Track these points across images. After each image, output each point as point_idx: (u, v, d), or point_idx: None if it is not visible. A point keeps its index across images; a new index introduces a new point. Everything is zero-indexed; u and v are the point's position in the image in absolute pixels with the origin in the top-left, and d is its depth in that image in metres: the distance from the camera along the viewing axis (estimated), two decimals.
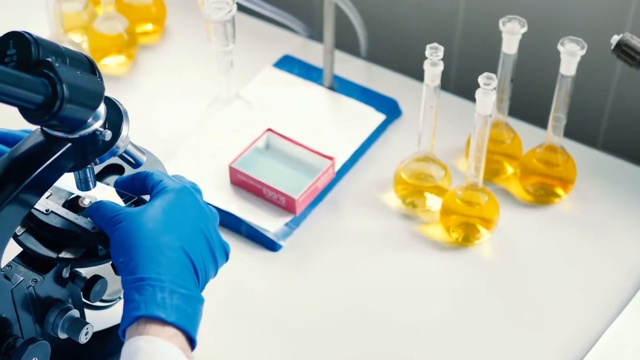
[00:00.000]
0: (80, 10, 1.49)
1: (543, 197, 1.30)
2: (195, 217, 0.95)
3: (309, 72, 1.45)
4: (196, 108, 1.41)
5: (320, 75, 1.44)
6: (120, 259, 0.92)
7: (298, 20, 1.52)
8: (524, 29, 1.20)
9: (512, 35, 1.21)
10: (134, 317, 0.88)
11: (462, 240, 1.25)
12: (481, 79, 1.12)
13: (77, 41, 1.48)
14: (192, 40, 1.53)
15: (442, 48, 1.15)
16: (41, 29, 1.49)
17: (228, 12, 1.21)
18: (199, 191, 0.99)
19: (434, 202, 1.28)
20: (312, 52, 1.51)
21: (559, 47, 1.17)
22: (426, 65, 1.16)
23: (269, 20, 1.55)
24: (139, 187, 1.00)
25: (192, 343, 0.90)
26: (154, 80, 1.47)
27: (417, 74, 1.48)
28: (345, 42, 1.51)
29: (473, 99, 1.43)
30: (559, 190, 1.30)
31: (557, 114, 1.24)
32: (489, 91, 1.12)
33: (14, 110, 0.87)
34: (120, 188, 1.01)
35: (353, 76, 1.47)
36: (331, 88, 1.43)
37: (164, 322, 0.87)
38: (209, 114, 1.33)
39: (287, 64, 1.47)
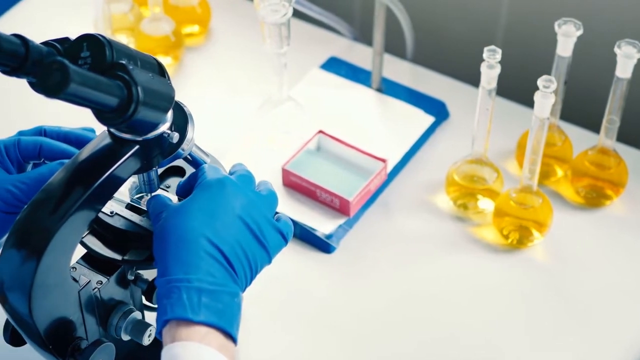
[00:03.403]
0: (127, 11, 1.49)
1: (595, 199, 1.30)
2: (233, 206, 0.92)
3: (355, 74, 1.45)
4: (244, 109, 1.42)
5: (367, 77, 1.44)
6: (155, 263, 0.92)
7: (344, 22, 1.52)
8: (580, 32, 1.20)
9: (567, 37, 1.20)
10: (162, 322, 0.87)
11: (516, 243, 1.25)
12: (540, 82, 1.12)
13: (123, 42, 1.48)
14: (237, 41, 1.53)
15: (499, 51, 1.15)
16: (86, 29, 1.50)
17: (284, 14, 1.21)
18: (248, 177, 0.97)
19: (485, 205, 1.28)
20: (357, 54, 1.51)
21: (616, 50, 1.17)
22: (483, 68, 1.16)
23: (312, 21, 1.55)
24: (194, 184, 0.99)
25: (231, 338, 0.89)
26: (201, 82, 1.47)
27: (460, 75, 1.49)
28: (389, 44, 1.51)
29: (517, 101, 1.44)
30: (610, 193, 1.30)
31: (611, 116, 1.23)
32: (548, 94, 1.12)
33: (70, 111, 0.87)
34: (180, 193, 1.00)
35: (399, 78, 1.47)
36: (379, 90, 1.43)
37: (193, 322, 0.87)
38: (260, 115, 1.34)
39: (334, 65, 1.47)
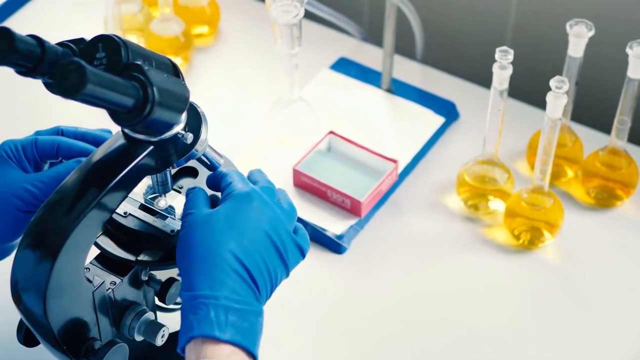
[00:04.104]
0: (137, 12, 1.49)
1: (605, 200, 1.30)
2: (261, 222, 0.92)
3: (365, 75, 1.45)
4: (253, 109, 1.42)
5: (377, 77, 1.44)
6: (179, 272, 0.92)
7: (353, 22, 1.52)
8: (591, 33, 1.20)
9: (578, 38, 1.20)
10: (189, 337, 0.87)
11: (527, 243, 1.25)
12: (553, 83, 1.12)
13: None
14: (246, 42, 1.54)
15: (511, 51, 1.15)
16: (95, 29, 1.50)
17: (295, 15, 1.21)
18: (272, 190, 0.97)
19: (496, 205, 1.28)
20: (367, 55, 1.51)
21: (628, 50, 1.17)
22: (495, 69, 1.16)
23: (319, 21, 1.55)
24: (216, 187, 0.99)
25: (253, 357, 0.89)
26: (210, 83, 1.48)
27: (468, 76, 1.49)
28: (398, 45, 1.51)
29: (525, 101, 1.44)
30: (621, 194, 1.30)
31: (622, 117, 1.23)
32: (560, 95, 1.12)
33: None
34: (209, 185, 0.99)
35: (408, 79, 1.47)
36: (389, 91, 1.43)
37: (219, 340, 0.87)
38: (271, 115, 1.34)
39: (344, 66, 1.47)
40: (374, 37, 1.56)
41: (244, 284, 0.89)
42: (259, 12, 1.57)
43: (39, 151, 1.01)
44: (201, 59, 1.51)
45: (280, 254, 0.93)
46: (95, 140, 1.03)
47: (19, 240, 0.98)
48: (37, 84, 0.91)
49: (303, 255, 0.97)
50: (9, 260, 0.94)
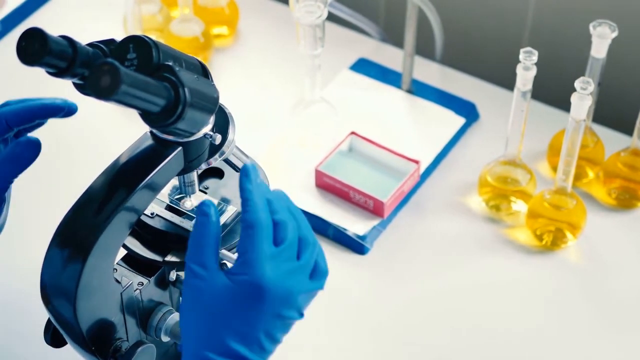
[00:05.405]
0: (156, 12, 1.49)
1: (627, 201, 1.30)
2: (271, 311, 0.87)
3: (385, 75, 1.45)
4: (273, 110, 1.42)
5: (397, 78, 1.44)
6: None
7: (372, 23, 1.52)
8: (615, 34, 1.20)
9: (601, 39, 1.20)
10: None
11: (550, 244, 1.25)
12: (578, 84, 1.11)
13: None
14: (265, 42, 1.53)
15: (535, 52, 1.15)
16: (115, 29, 1.50)
17: (319, 16, 1.21)
18: (302, 266, 0.92)
19: (518, 206, 1.28)
20: (385, 55, 1.51)
21: None
22: (519, 69, 1.16)
23: (338, 22, 1.55)
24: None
25: None
26: (230, 83, 1.48)
27: (485, 76, 1.49)
28: (416, 45, 1.51)
29: (544, 101, 1.44)
30: None
31: None
32: (585, 96, 1.12)
33: None
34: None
35: (427, 79, 1.47)
36: (409, 91, 1.43)
37: None
38: (293, 116, 1.34)
39: (363, 67, 1.47)
40: (390, 37, 1.56)
41: None
42: (277, 13, 1.57)
43: None
44: (220, 60, 1.51)
45: (292, 318, 0.89)
46: (44, 104, 0.98)
47: None
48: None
49: (325, 275, 0.94)
50: (34, 261, 0.94)
